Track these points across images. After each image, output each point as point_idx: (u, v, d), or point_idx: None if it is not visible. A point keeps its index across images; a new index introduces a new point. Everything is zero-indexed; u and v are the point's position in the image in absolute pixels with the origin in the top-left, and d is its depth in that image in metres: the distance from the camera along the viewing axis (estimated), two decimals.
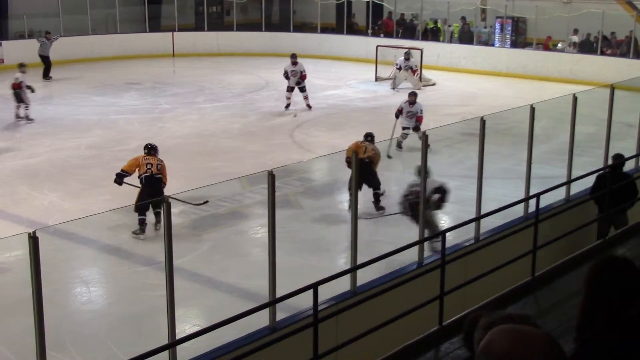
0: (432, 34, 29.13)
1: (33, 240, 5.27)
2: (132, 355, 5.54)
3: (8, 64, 26.41)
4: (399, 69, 23.33)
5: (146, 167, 11.04)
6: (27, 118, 18.42)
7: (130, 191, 12.80)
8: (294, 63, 20.33)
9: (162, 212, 9.01)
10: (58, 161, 14.65)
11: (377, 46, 25.58)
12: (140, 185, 11.07)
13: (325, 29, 31.92)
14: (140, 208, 10.76)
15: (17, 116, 18.46)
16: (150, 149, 11.45)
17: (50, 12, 28.15)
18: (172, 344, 6.02)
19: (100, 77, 25.18)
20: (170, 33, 30.20)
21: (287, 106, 20.18)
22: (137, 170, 11.13)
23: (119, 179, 11.26)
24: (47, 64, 25.16)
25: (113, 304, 9.25)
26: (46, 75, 25.02)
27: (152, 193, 10.81)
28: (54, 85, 23.75)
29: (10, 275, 9.43)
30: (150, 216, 10.95)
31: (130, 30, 30.38)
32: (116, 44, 28.89)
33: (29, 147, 16.14)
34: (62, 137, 16.85)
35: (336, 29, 31.65)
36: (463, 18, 28.76)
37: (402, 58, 23.30)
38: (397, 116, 15.82)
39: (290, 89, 20.36)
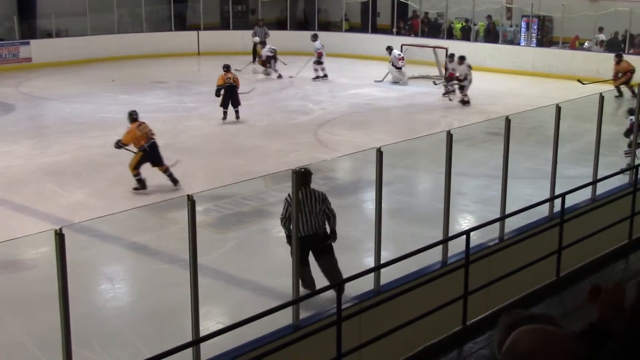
0: (463, 33, 28.97)
1: (59, 237, 5.32)
2: (157, 352, 5.59)
3: (36, 62, 26.75)
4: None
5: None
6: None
7: (155, 189, 12.91)
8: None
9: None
10: (84, 159, 14.77)
11: (402, 45, 25.51)
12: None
13: (351, 28, 31.88)
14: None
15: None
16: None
17: (78, 11, 28.40)
18: (196, 341, 6.05)
19: (126, 75, 25.33)
20: (196, 32, 30.33)
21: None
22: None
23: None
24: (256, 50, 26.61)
25: (137, 301, 9.31)
26: (254, 59, 26.51)
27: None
28: (80, 84, 23.91)
29: (36, 272, 9.52)
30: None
31: (156, 29, 30.55)
32: (142, 43, 29.06)
33: (56, 145, 16.29)
34: (89, 136, 16.97)
35: (361, 28, 31.59)
36: (488, 17, 28.61)
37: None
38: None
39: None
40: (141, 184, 12.94)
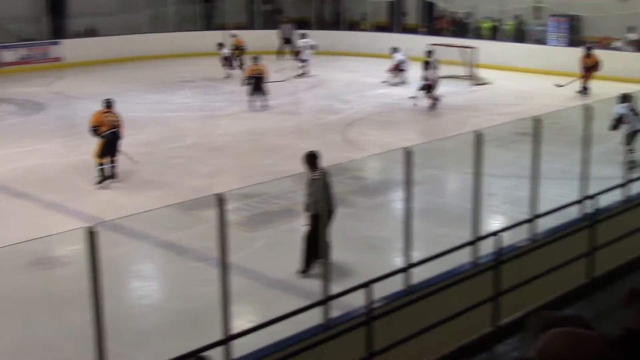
0: (491, 32, 28.80)
1: (91, 235, 5.37)
2: (187, 350, 5.61)
3: (66, 62, 27.04)
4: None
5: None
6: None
7: (186, 187, 12.99)
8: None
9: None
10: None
11: (430, 44, 25.37)
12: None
13: (377, 27, 31.82)
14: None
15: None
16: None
17: (108, 11, 28.73)
18: (227, 340, 6.08)
19: (154, 75, 25.49)
20: (223, 32, 30.44)
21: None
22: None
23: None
24: (286, 44, 29.11)
25: (168, 299, 9.37)
26: (280, 53, 29.29)
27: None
28: (109, 83, 24.09)
29: (69, 269, 9.62)
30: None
31: (184, 29, 30.72)
32: (170, 42, 29.24)
33: (86, 144, 16.34)
34: None
35: (388, 27, 31.52)
36: (517, 16, 28.43)
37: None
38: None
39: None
40: (102, 176, 13.36)
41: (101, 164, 13.46)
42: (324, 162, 9.91)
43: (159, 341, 8.02)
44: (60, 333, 8.17)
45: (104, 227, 9.64)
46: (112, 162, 13.62)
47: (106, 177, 13.41)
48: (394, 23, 31.19)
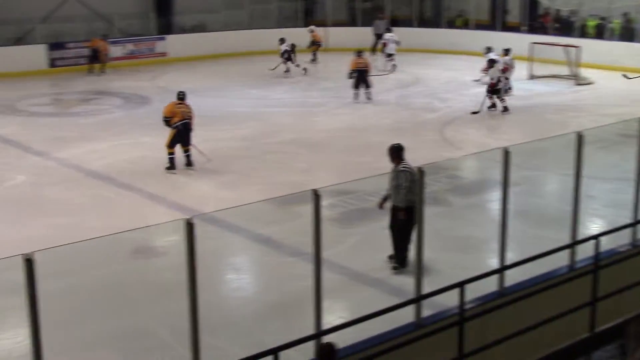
0: (597, 31, 27.99)
1: (189, 226, 5.50)
2: (279, 343, 5.69)
3: (172, 57, 27.79)
4: None
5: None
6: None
7: (282, 182, 13.14)
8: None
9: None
10: (214, 151, 15.16)
11: (532, 43, 24.89)
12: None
13: (478, 25, 31.37)
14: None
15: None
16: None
17: (212, 7, 29.40)
18: (318, 334, 6.13)
19: (254, 70, 25.88)
20: (324, 28, 30.63)
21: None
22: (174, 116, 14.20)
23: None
24: (379, 40, 28.64)
25: (261, 292, 9.49)
26: (374, 49, 28.89)
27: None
28: (213, 78, 24.60)
29: (166, 259, 9.87)
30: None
31: (285, 25, 31.06)
32: (272, 38, 29.59)
33: None
34: (218, 129, 17.44)
35: (490, 25, 31.02)
36: (625, 14, 27.53)
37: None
38: None
39: None
40: (171, 164, 14.08)
41: (171, 154, 14.06)
42: (422, 160, 9.87)
43: (251, 333, 8.14)
44: (157, 321, 8.40)
45: (201, 219, 9.88)
46: (186, 151, 14.22)
47: (174, 166, 14.06)
48: (495, 21, 30.71)
